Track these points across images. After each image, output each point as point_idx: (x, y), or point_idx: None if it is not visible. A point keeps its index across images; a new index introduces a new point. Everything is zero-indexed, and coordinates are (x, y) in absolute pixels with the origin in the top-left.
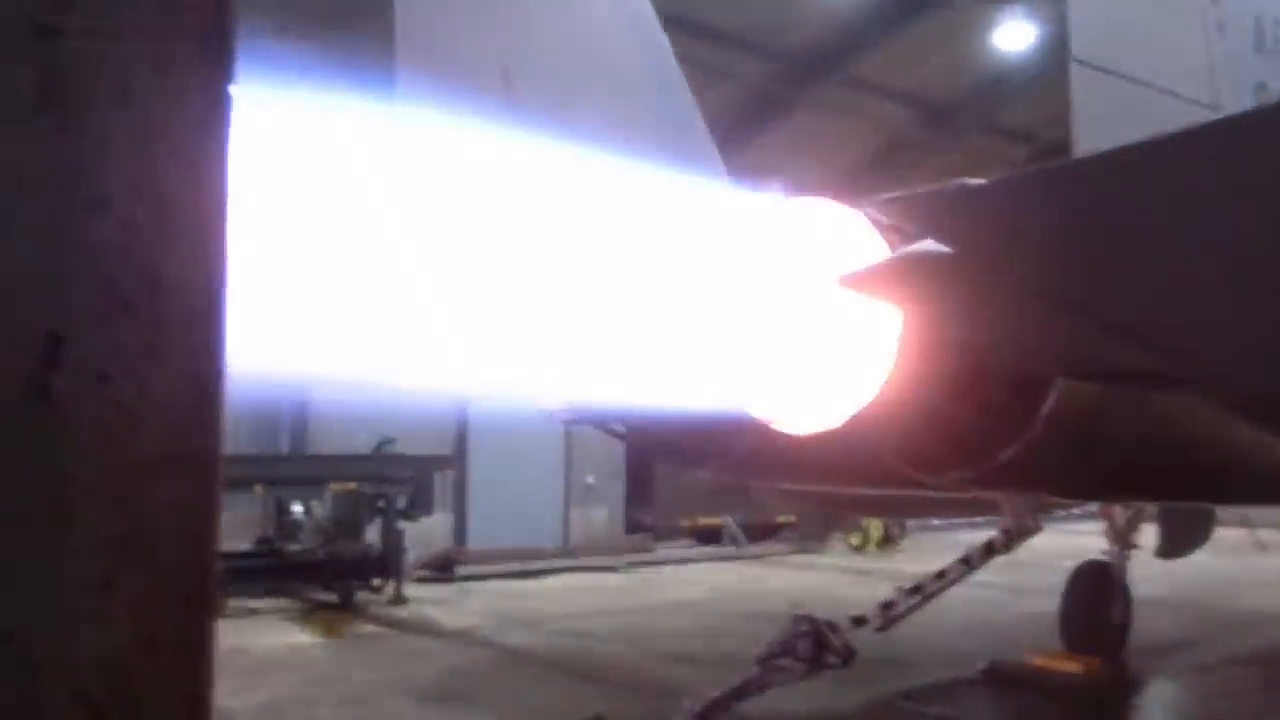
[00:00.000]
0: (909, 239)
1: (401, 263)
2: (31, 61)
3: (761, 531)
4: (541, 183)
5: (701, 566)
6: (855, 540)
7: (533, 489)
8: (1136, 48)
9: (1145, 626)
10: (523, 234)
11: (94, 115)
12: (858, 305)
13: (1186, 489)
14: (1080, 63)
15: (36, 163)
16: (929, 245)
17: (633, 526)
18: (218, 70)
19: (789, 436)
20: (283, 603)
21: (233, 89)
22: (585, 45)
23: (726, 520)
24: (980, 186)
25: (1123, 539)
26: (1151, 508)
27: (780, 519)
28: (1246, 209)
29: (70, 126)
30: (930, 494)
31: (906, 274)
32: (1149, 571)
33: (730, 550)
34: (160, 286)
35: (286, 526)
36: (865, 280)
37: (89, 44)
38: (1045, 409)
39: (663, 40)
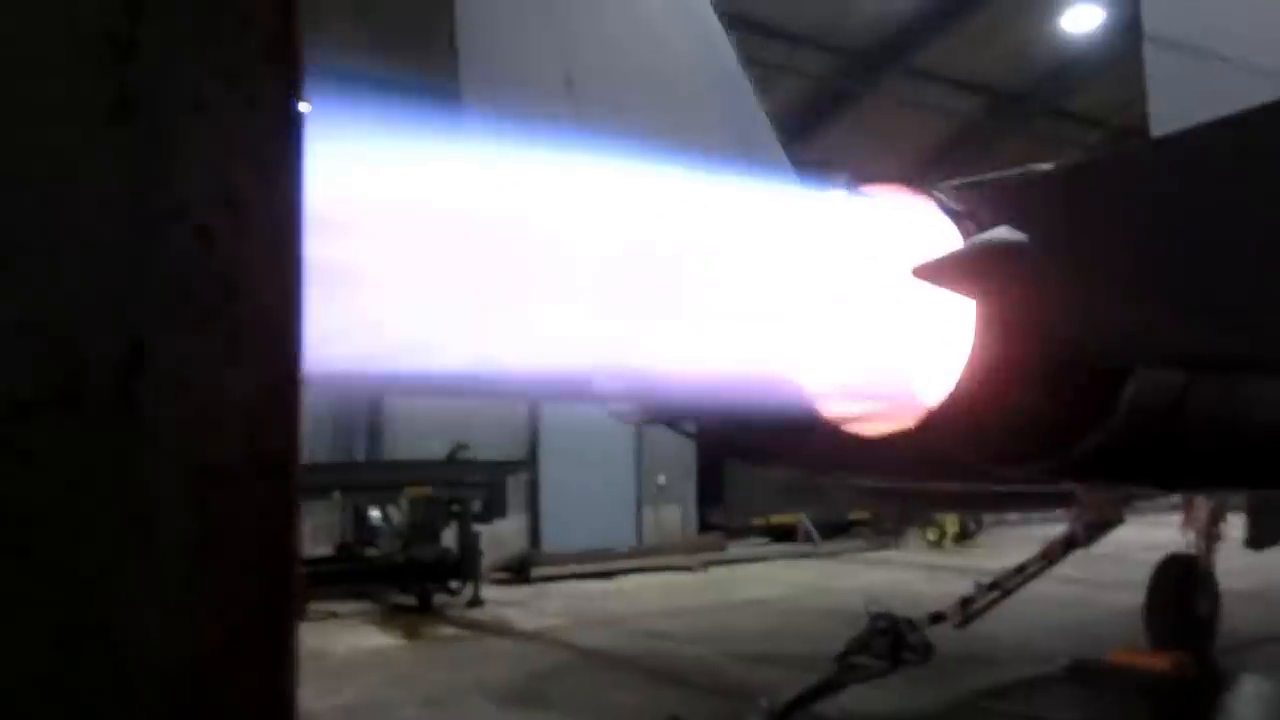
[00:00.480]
0: (982, 227)
1: (473, 268)
2: (107, 75)
3: (835, 529)
4: (609, 186)
5: (776, 565)
6: (931, 536)
7: (605, 490)
8: (1212, 22)
9: (1234, 621)
10: (592, 238)
11: (168, 126)
12: (931, 297)
13: (1272, 477)
14: (1154, 41)
15: (113, 174)
16: (1003, 233)
17: (706, 525)
18: (287, 81)
19: (862, 437)
20: (363, 606)
21: (302, 100)
22: (646, 48)
23: (800, 518)
24: (1054, 171)
25: (1208, 530)
26: (1239, 497)
27: (854, 516)
28: None
29: (146, 137)
30: (1009, 488)
31: (980, 263)
32: (1238, 563)
33: (804, 548)
34: (236, 293)
35: (365, 531)
36: (939, 271)
37: (162, 56)
38: (1125, 397)
39: (724, 39)
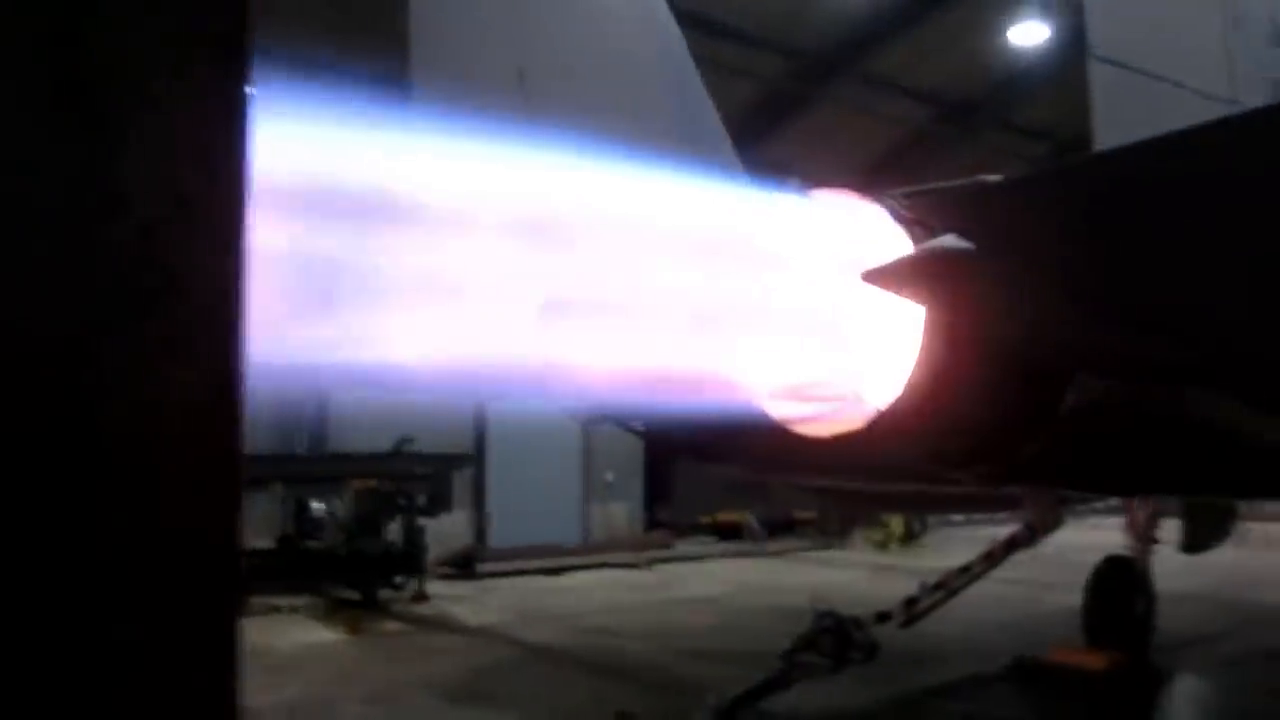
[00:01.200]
0: (931, 234)
1: (417, 264)
2: (51, 64)
3: (782, 527)
4: (558, 183)
5: (722, 563)
6: (877, 536)
7: (552, 486)
8: (1154, 43)
9: (1170, 621)
10: (540, 234)
11: (113, 118)
12: (880, 301)
13: (1208, 484)
14: (1099, 59)
15: (57, 164)
16: (951, 240)
17: (652, 523)
18: (235, 73)
19: (809, 437)
20: (305, 600)
21: (250, 92)
22: (600, 45)
23: (746, 516)
24: (1003, 181)
25: (1144, 533)
26: (1174, 502)
27: (801, 515)
28: (1266, 202)
29: (89, 128)
30: (953, 490)
31: (929, 269)
32: (1172, 566)
33: (750, 546)
34: (180, 287)
35: (307, 524)
36: (888, 276)
37: (108, 47)
38: (1068, 404)
39: (678, 38)
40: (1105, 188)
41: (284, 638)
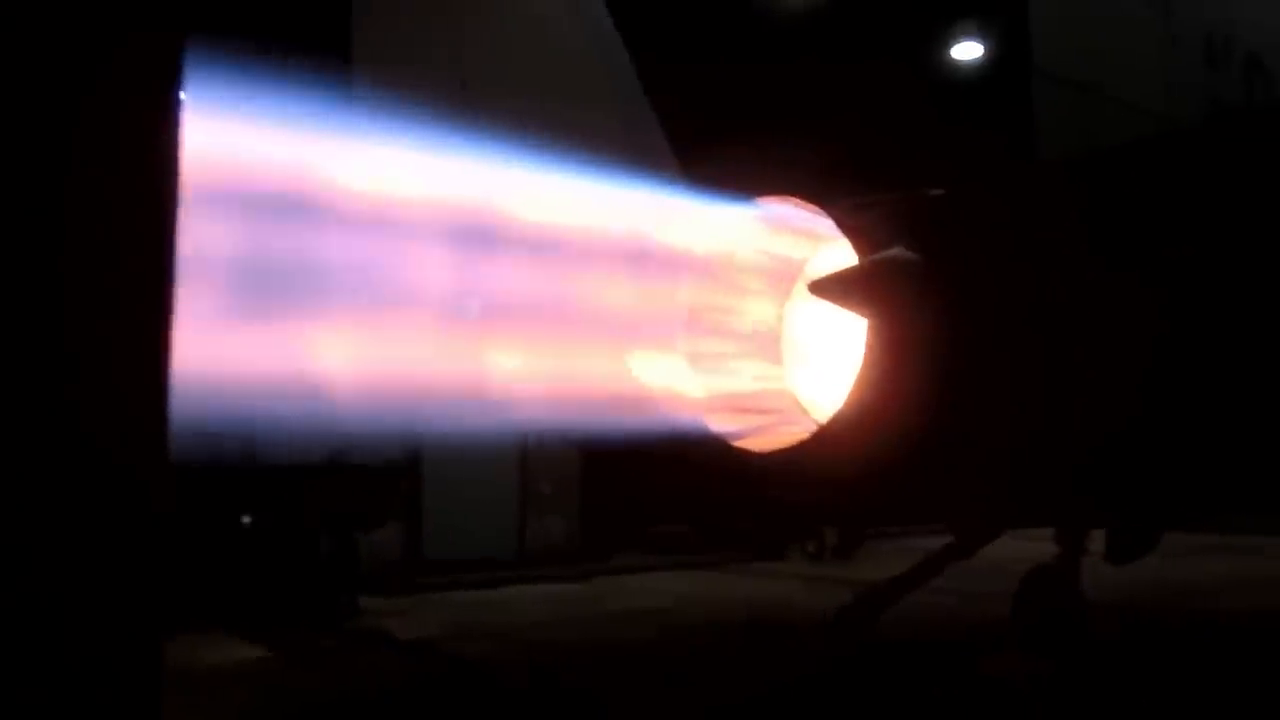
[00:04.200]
0: (877, 245)
1: (354, 270)
2: None
3: (720, 539)
4: (497, 191)
5: (660, 575)
6: (811, 548)
7: (488, 498)
8: (1095, 60)
9: (1099, 630)
10: (475, 242)
11: (45, 123)
12: (825, 314)
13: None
14: (1043, 74)
15: None
16: (898, 252)
17: (590, 535)
18: (167, 79)
19: (749, 453)
20: (231, 616)
21: (184, 98)
22: (542, 53)
23: (685, 529)
24: (948, 193)
25: (1073, 543)
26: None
27: (738, 527)
28: (1204, 210)
29: (21, 134)
30: (892, 504)
31: (876, 281)
32: (1104, 576)
33: (689, 559)
34: (107, 294)
35: (236, 538)
36: (835, 287)
37: (40, 51)
38: (1008, 421)
39: (619, 45)
40: (1047, 198)
41: (207, 657)
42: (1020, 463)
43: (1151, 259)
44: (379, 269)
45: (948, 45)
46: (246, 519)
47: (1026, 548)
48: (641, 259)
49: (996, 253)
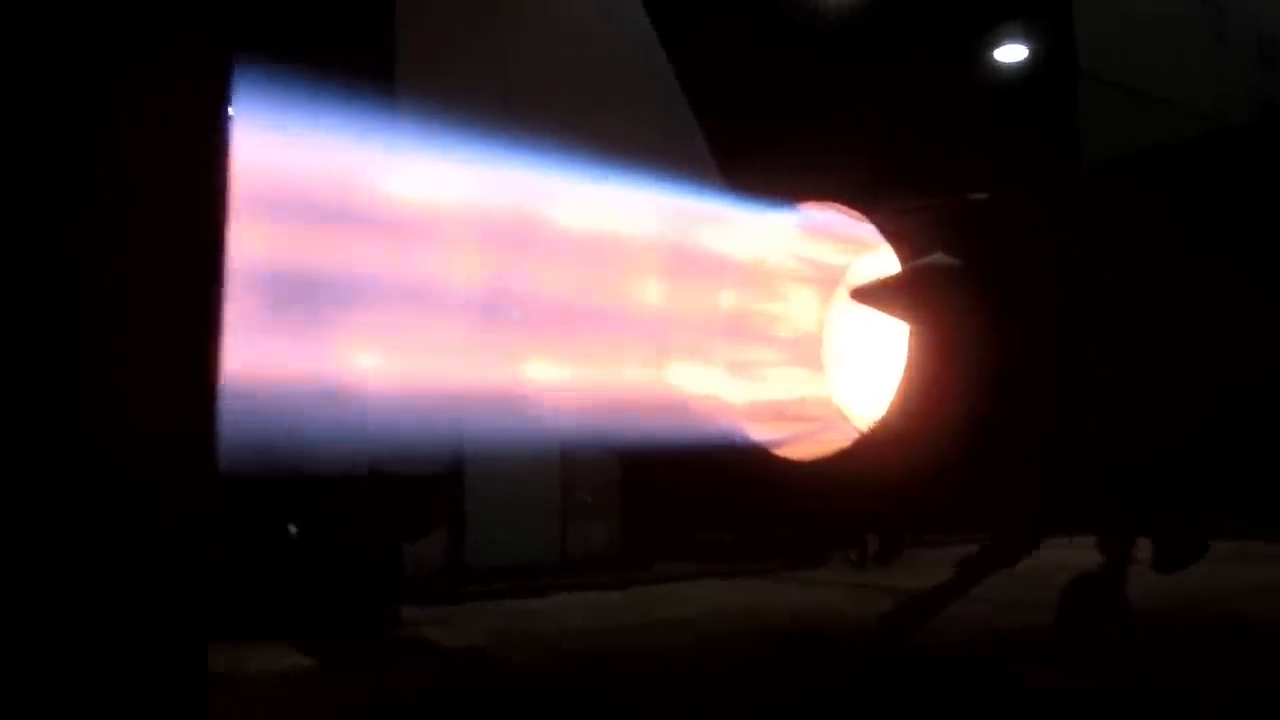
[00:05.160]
0: (918, 251)
1: (396, 281)
2: (39, 73)
3: (761, 547)
4: (541, 201)
5: (701, 583)
6: (854, 555)
7: (530, 506)
8: (1142, 61)
9: (1145, 640)
10: (519, 252)
11: (98, 132)
12: (866, 320)
13: (1199, 514)
14: (1088, 77)
15: (41, 176)
16: (940, 258)
17: (632, 543)
18: (215, 94)
19: (790, 460)
20: (278, 624)
21: (233, 108)
22: (582, 58)
23: (726, 536)
24: (991, 198)
25: (1119, 552)
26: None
27: (779, 534)
28: (1256, 210)
29: (74, 142)
30: (935, 511)
31: (919, 287)
32: (1150, 585)
33: (729, 566)
34: (156, 306)
35: (282, 548)
36: (878, 294)
37: (94, 59)
38: (1053, 427)
39: (662, 56)
40: (1092, 202)
41: (253, 664)
42: (1065, 469)
43: (1200, 261)
44: (421, 279)
45: (991, 47)
46: (293, 529)
47: (1067, 557)
48: (682, 266)
49: (1040, 257)
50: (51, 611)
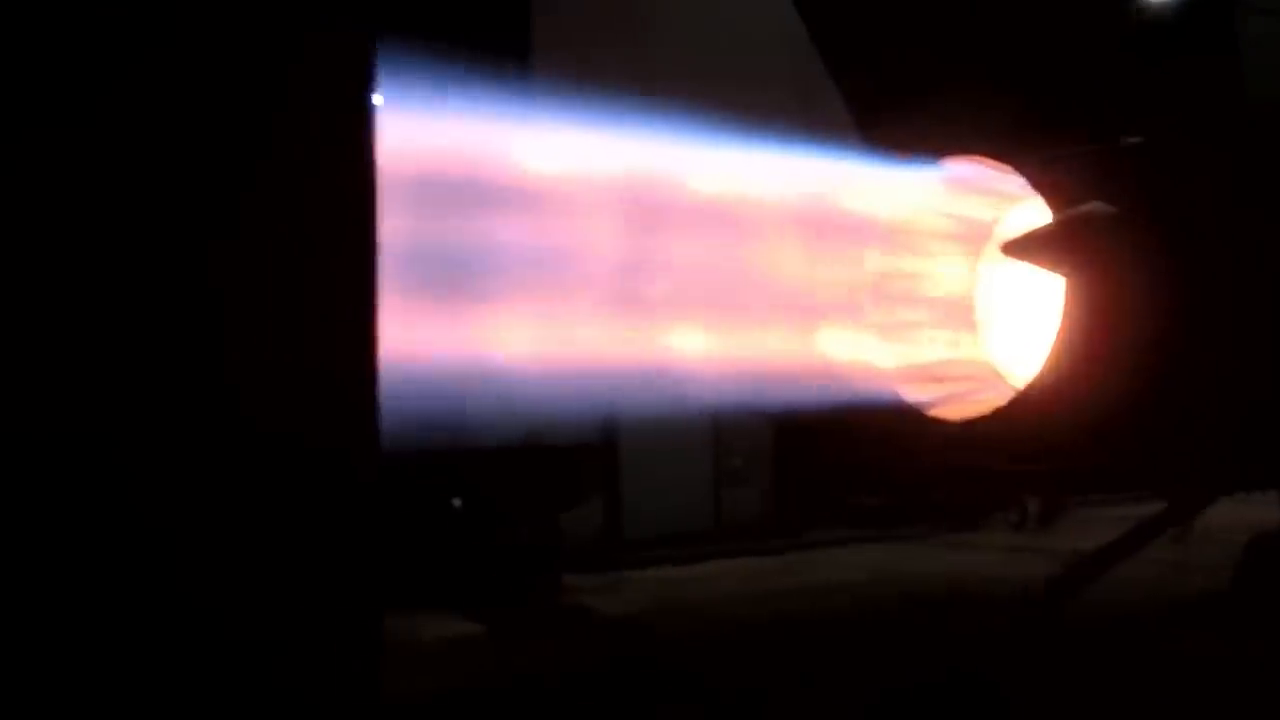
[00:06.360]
0: (1071, 201)
1: (543, 255)
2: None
3: (916, 511)
4: (680, 169)
5: (855, 548)
6: (1014, 517)
7: (683, 474)
8: None
9: None
10: (662, 219)
11: (244, 126)
12: (1018, 275)
13: None
14: (1251, 8)
15: (180, 171)
16: (1095, 207)
17: (785, 509)
18: (360, 80)
19: (945, 421)
20: (446, 593)
21: (376, 98)
22: (718, 25)
23: (878, 500)
24: (1145, 142)
25: None
26: None
27: (934, 497)
28: None
29: (217, 136)
30: (1097, 470)
31: (1073, 238)
32: None
33: (884, 531)
34: (314, 290)
35: (446, 519)
36: (1030, 246)
37: (237, 56)
38: (1219, 378)
39: (793, 12)
40: (1256, 143)
41: (425, 631)
42: (1238, 423)
43: None
44: (567, 252)
45: None
46: (457, 502)
47: (1244, 514)
48: (825, 229)
49: (1200, 203)
50: (235, 586)
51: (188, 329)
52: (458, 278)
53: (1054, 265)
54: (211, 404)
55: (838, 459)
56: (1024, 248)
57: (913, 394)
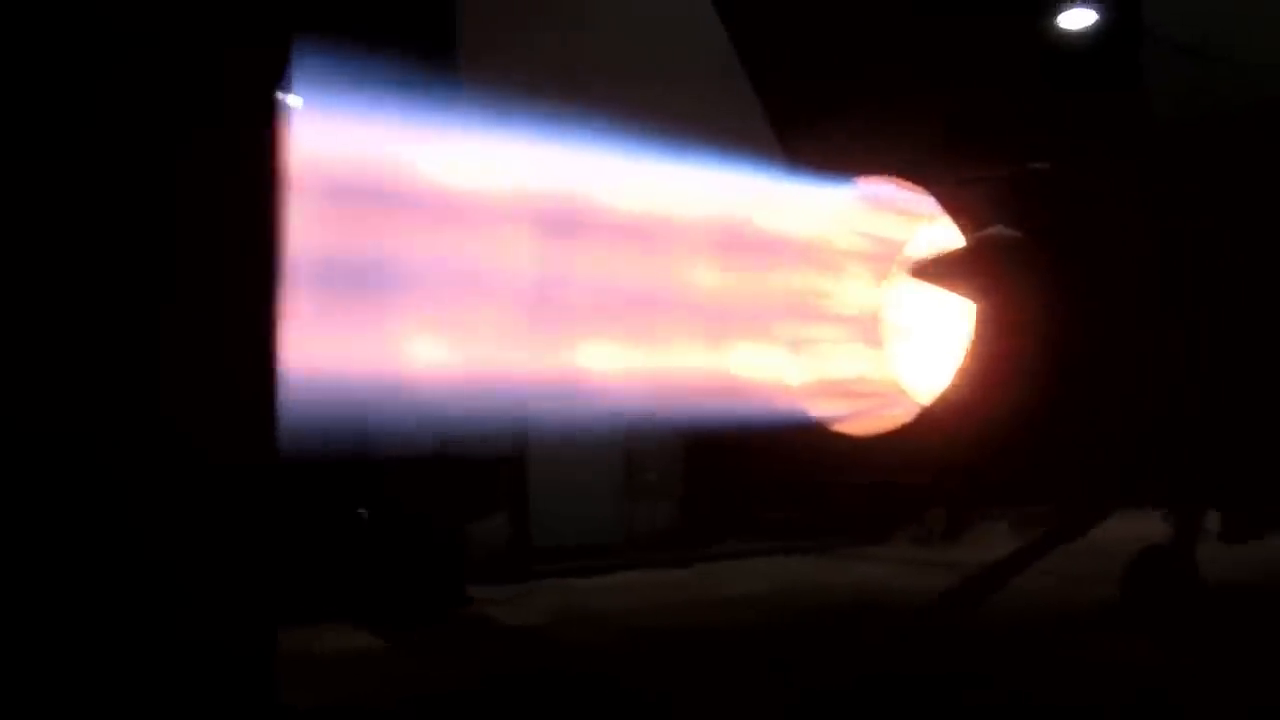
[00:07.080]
0: (979, 224)
1: (456, 265)
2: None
3: (822, 523)
4: (598, 181)
5: (763, 560)
6: (920, 531)
7: (593, 485)
8: (1213, 24)
9: (1215, 613)
10: (577, 232)
11: (152, 124)
12: (926, 295)
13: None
14: (1156, 38)
15: (84, 168)
16: (1001, 230)
17: (695, 521)
18: (270, 84)
19: (851, 436)
20: (350, 605)
21: (294, 100)
22: (646, 40)
23: (786, 514)
24: (1052, 168)
25: (1188, 523)
26: None
27: (841, 511)
28: None
29: (131, 139)
30: (998, 485)
31: (980, 261)
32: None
33: (793, 544)
34: (215, 294)
35: (350, 529)
36: (935, 271)
37: (148, 58)
38: (1114, 400)
39: (719, 32)
40: (1158, 169)
41: (322, 644)
42: (1132, 441)
43: (1274, 228)
44: (481, 263)
45: (1054, 12)
46: (363, 513)
47: (1135, 529)
48: (739, 244)
49: (1102, 228)
50: (122, 595)
51: (83, 332)
52: (370, 286)
53: (960, 288)
54: (103, 408)
55: (748, 473)
56: (932, 270)
57: (820, 409)
